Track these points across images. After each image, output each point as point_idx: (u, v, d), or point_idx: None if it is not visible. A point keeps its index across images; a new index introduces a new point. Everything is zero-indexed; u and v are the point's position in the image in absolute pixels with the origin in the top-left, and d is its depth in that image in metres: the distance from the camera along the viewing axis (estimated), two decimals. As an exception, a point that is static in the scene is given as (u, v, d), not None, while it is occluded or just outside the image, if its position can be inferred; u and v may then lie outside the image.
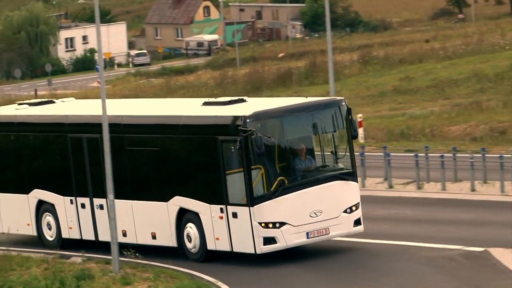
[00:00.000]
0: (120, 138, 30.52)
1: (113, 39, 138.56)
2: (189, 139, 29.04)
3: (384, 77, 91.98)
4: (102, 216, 30.89)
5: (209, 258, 28.96)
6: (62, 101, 36.58)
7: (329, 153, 28.07)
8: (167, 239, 29.85)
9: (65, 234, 32.02)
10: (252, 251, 27.40)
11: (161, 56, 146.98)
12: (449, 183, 41.33)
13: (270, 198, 26.54)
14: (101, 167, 30.21)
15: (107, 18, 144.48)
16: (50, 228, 32.08)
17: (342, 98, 28.14)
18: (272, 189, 26.62)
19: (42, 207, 32.31)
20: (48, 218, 32.16)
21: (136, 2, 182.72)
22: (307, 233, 26.70)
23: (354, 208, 27.28)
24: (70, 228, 31.68)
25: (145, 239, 30.49)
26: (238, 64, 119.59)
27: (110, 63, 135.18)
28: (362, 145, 47.06)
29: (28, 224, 32.89)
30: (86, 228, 31.55)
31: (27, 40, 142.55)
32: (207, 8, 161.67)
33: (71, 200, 31.71)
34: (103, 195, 30.21)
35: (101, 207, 30.90)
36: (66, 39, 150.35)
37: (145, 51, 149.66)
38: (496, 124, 58.42)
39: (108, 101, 34.31)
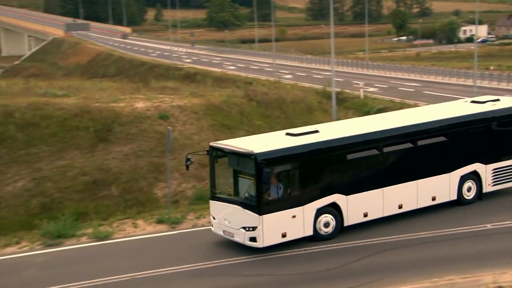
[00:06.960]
0: None
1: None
2: None
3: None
4: None
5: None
6: (495, 101, 22.45)
7: (250, 188, 18.40)
8: None
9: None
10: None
11: (500, 37, 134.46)
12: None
13: (210, 199, 19.72)
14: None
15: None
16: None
17: (260, 152, 18.00)
18: (214, 195, 19.48)
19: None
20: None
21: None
22: (224, 231, 19.21)
23: (250, 229, 18.30)
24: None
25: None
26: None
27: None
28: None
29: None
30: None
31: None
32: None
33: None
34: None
35: None
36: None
37: (493, 35, 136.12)
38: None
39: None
